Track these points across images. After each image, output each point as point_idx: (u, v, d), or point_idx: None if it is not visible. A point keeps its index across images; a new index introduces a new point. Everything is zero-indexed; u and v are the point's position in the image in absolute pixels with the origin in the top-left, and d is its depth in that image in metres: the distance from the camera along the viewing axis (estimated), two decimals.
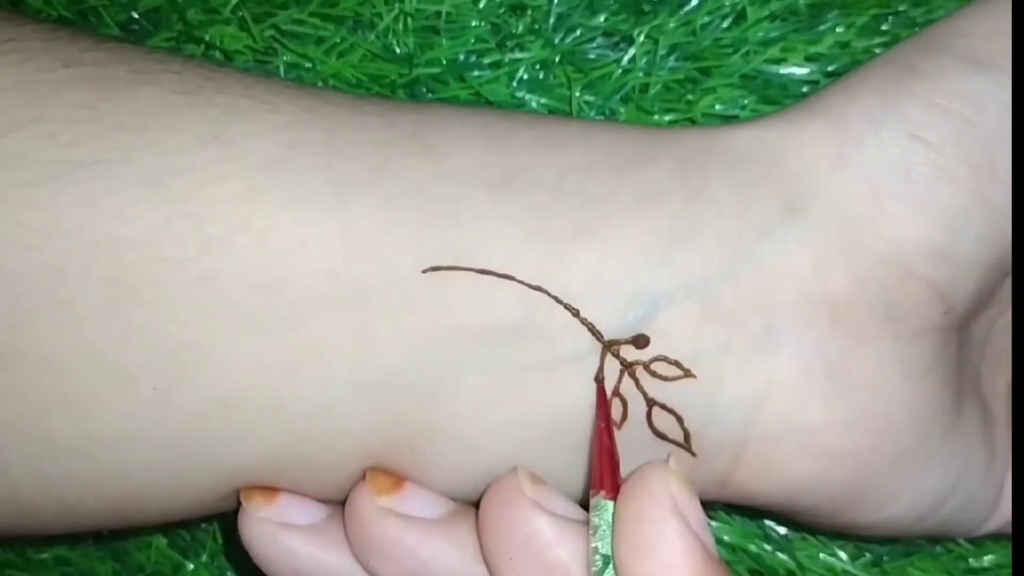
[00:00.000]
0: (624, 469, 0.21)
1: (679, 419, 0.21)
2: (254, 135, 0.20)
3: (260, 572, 0.23)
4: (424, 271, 0.20)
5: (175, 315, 0.19)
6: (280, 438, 0.21)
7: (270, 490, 0.22)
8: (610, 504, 0.19)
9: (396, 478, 0.21)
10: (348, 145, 0.20)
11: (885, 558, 0.29)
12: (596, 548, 0.19)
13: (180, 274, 0.19)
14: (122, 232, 0.19)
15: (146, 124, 0.20)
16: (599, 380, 0.20)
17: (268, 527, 0.22)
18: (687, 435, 0.21)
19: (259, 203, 0.19)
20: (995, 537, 0.27)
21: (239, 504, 0.22)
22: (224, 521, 0.30)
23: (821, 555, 0.29)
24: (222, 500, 0.22)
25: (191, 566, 0.31)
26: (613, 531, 0.19)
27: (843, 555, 0.29)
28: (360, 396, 0.20)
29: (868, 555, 0.29)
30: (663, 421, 0.21)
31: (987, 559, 0.29)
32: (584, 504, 0.21)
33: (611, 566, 0.19)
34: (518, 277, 0.20)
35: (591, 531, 0.19)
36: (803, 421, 0.21)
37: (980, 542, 0.28)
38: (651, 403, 0.21)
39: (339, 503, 0.22)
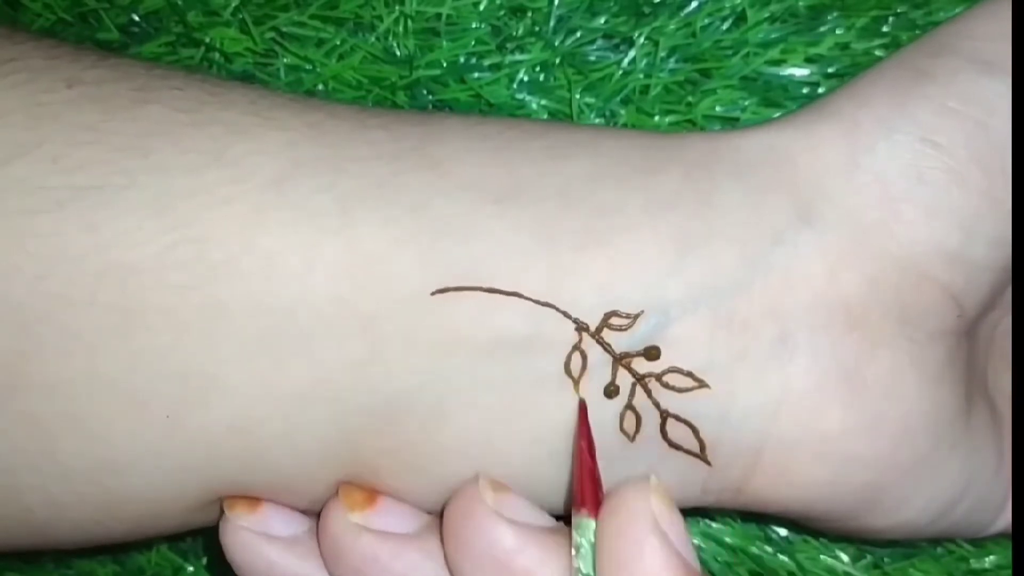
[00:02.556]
0: None
1: (694, 430, 0.21)
2: (258, 154, 0.20)
3: None
4: (433, 293, 0.20)
5: (183, 342, 0.19)
6: (292, 461, 0.21)
7: (253, 500, 0.22)
8: (592, 523, 0.19)
9: (369, 493, 0.21)
10: (353, 162, 0.20)
11: (886, 560, 0.29)
12: (579, 568, 0.19)
13: (187, 300, 0.19)
14: (127, 259, 0.19)
15: (150, 145, 0.19)
16: (581, 401, 0.20)
17: (248, 536, 0.22)
18: (702, 445, 0.21)
19: (265, 225, 0.19)
20: (996, 538, 0.27)
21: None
22: None
23: (822, 557, 0.29)
24: None
25: (191, 568, 0.31)
26: (594, 550, 0.19)
27: (844, 557, 0.29)
28: (369, 418, 0.20)
29: (869, 557, 0.29)
30: (678, 431, 0.21)
31: (988, 560, 0.29)
32: None
33: None
34: (526, 290, 0.20)
35: (573, 550, 0.19)
36: (819, 428, 0.21)
37: (981, 543, 0.28)
38: (665, 414, 0.21)
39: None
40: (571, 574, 0.19)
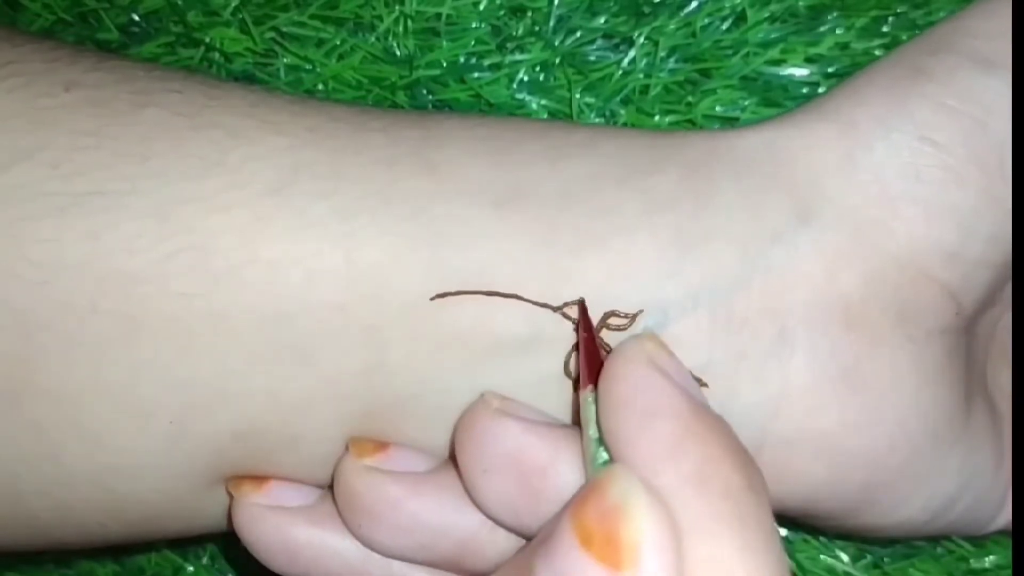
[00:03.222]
0: None
1: None
2: (258, 159, 0.20)
3: (260, 572, 0.22)
4: (432, 298, 0.20)
5: (187, 350, 0.19)
6: (296, 466, 0.21)
7: (258, 478, 0.22)
8: (594, 393, 0.18)
9: (379, 442, 0.21)
10: (352, 167, 0.20)
11: (886, 559, 0.29)
12: (589, 436, 0.18)
13: (188, 309, 0.19)
14: (129, 266, 0.19)
15: (150, 150, 0.19)
16: (581, 300, 0.20)
17: (259, 510, 0.21)
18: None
19: (266, 233, 0.19)
20: (996, 538, 0.27)
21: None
22: None
23: (822, 557, 0.29)
24: None
25: (191, 568, 0.31)
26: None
27: (844, 557, 0.29)
28: (372, 423, 0.20)
29: (869, 556, 0.29)
30: None
31: (988, 560, 0.29)
32: None
33: (602, 445, 0.18)
34: (526, 292, 0.20)
35: (583, 425, 0.18)
36: (819, 426, 0.21)
37: (981, 543, 0.28)
38: None
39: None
40: (583, 452, 0.18)
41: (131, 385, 0.19)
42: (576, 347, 0.20)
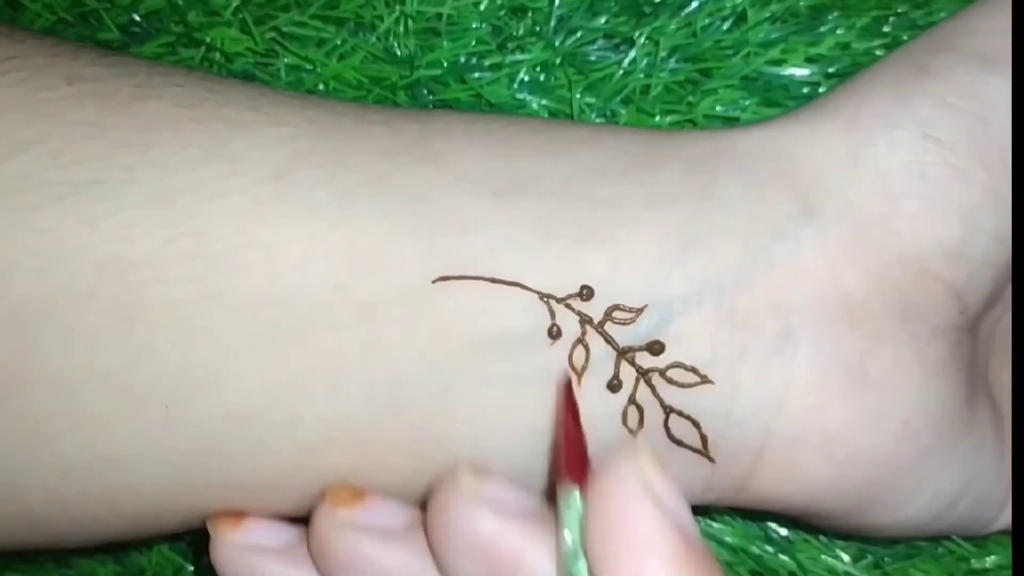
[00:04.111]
0: None
1: (697, 425, 0.21)
2: (258, 148, 0.20)
3: None
4: (433, 281, 0.20)
5: (182, 335, 0.19)
6: (293, 453, 0.21)
7: (236, 514, 0.22)
8: (577, 491, 0.18)
9: (356, 490, 0.21)
10: (353, 155, 0.20)
11: (887, 559, 0.29)
12: (564, 537, 0.18)
13: (187, 293, 0.19)
14: (127, 253, 0.19)
15: (150, 141, 0.20)
16: (566, 373, 0.20)
17: (236, 551, 0.21)
18: (705, 441, 0.21)
19: (264, 218, 0.19)
20: (997, 538, 0.27)
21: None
22: None
23: (823, 557, 0.29)
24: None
25: (191, 568, 0.31)
26: (581, 521, 0.18)
27: (845, 557, 0.29)
28: (370, 409, 0.20)
29: (870, 557, 0.29)
30: (680, 427, 0.21)
31: (989, 560, 0.29)
32: None
33: (580, 555, 0.17)
34: (528, 282, 0.20)
35: (557, 521, 0.18)
36: (822, 424, 0.21)
37: (982, 543, 0.28)
38: (668, 410, 0.21)
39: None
40: (557, 549, 0.18)
41: (127, 371, 0.19)
42: (563, 418, 0.20)
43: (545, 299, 0.20)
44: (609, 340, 0.20)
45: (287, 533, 0.22)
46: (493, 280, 0.20)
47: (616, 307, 0.20)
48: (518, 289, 0.20)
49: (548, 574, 0.19)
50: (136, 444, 0.20)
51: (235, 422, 0.20)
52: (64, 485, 0.20)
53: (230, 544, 0.21)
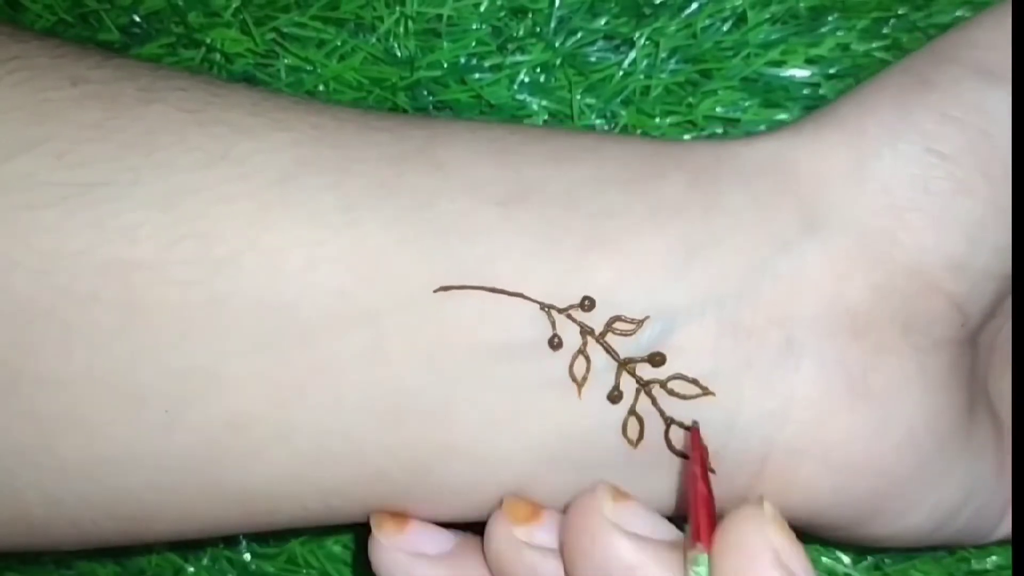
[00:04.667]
0: (639, 489, 0.20)
1: (695, 426, 0.21)
2: (262, 153, 0.20)
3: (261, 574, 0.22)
4: (436, 290, 0.20)
5: (184, 338, 0.19)
6: (290, 460, 0.20)
7: (401, 517, 0.22)
8: (706, 557, 0.18)
9: (534, 507, 0.21)
10: (357, 162, 0.20)
11: (887, 561, 0.29)
12: None
13: (189, 296, 0.19)
14: (130, 254, 0.19)
15: (155, 143, 0.20)
16: (694, 425, 0.20)
17: (399, 557, 0.22)
18: (706, 452, 0.21)
19: (268, 222, 0.19)
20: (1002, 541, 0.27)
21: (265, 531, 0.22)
22: None
23: (823, 559, 0.29)
24: (237, 524, 0.22)
25: (191, 569, 0.31)
26: None
27: (845, 559, 0.29)
28: (371, 417, 0.20)
29: (870, 558, 0.29)
30: (681, 439, 0.21)
31: (990, 561, 0.29)
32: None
33: None
34: (531, 293, 0.20)
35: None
36: (825, 435, 0.21)
37: (984, 544, 0.28)
38: (669, 421, 0.21)
39: (475, 530, 0.22)
40: None
41: (128, 373, 0.19)
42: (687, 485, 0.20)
43: (546, 309, 0.20)
44: (610, 351, 0.20)
45: (449, 541, 0.22)
46: (494, 290, 0.20)
47: (617, 318, 0.20)
48: (519, 300, 0.20)
49: None
50: (134, 447, 0.20)
51: (233, 429, 0.20)
52: (62, 487, 0.20)
53: (392, 547, 0.22)
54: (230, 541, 0.31)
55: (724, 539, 0.18)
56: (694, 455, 0.20)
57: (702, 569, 0.18)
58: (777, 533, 0.18)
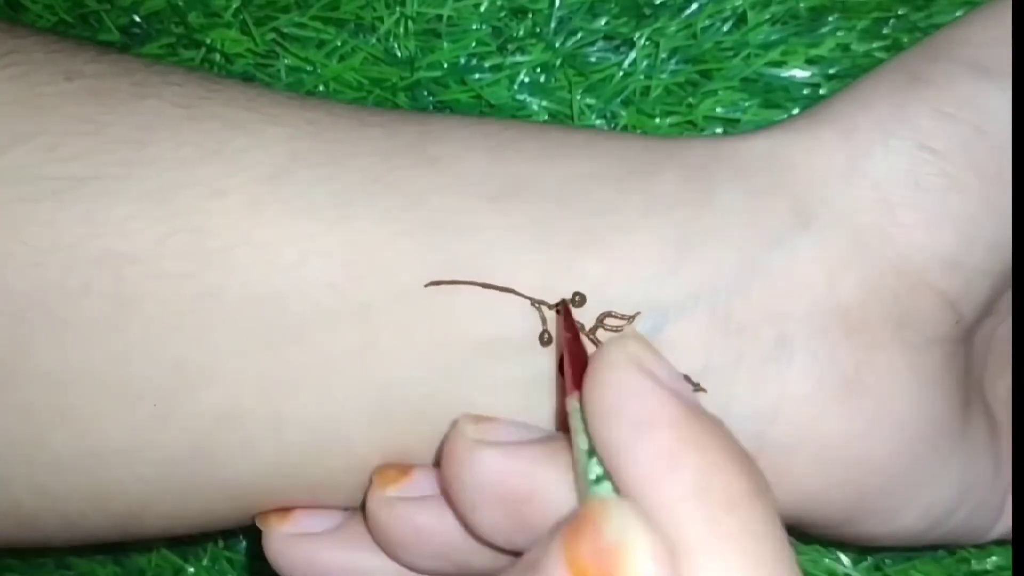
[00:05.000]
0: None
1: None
2: (255, 148, 0.20)
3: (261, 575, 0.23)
4: (426, 285, 0.20)
5: (176, 331, 0.19)
6: (279, 454, 0.20)
7: (283, 510, 0.22)
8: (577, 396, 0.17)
9: (402, 467, 0.21)
10: (350, 156, 0.20)
11: (887, 561, 0.29)
12: (577, 445, 0.17)
13: (181, 290, 0.19)
14: (123, 248, 0.19)
15: (148, 138, 0.20)
16: (564, 305, 0.20)
17: (287, 539, 0.22)
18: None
19: (261, 216, 0.19)
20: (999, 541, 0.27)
21: (249, 524, 0.22)
22: None
23: (824, 559, 0.29)
24: (223, 518, 0.22)
25: (191, 569, 0.31)
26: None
27: (845, 559, 0.29)
28: (361, 411, 0.20)
29: (870, 559, 0.29)
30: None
31: (990, 561, 0.29)
32: None
33: (594, 456, 0.17)
34: (522, 288, 0.20)
35: (572, 434, 0.17)
36: (817, 432, 0.21)
37: (983, 544, 0.28)
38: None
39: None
40: (573, 462, 0.18)
41: (120, 367, 0.19)
42: (561, 348, 0.20)
43: (536, 305, 0.20)
44: (599, 346, 0.20)
45: (335, 517, 0.22)
46: (485, 285, 0.20)
47: (608, 314, 0.20)
48: (511, 294, 0.20)
49: (564, 496, 0.18)
50: (125, 441, 0.20)
51: (224, 422, 0.20)
52: (53, 480, 0.20)
53: (280, 536, 0.22)
54: (230, 541, 0.31)
55: (590, 370, 0.17)
56: (565, 321, 0.19)
57: (575, 407, 0.17)
58: (637, 346, 0.17)
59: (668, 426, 0.15)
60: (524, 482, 0.18)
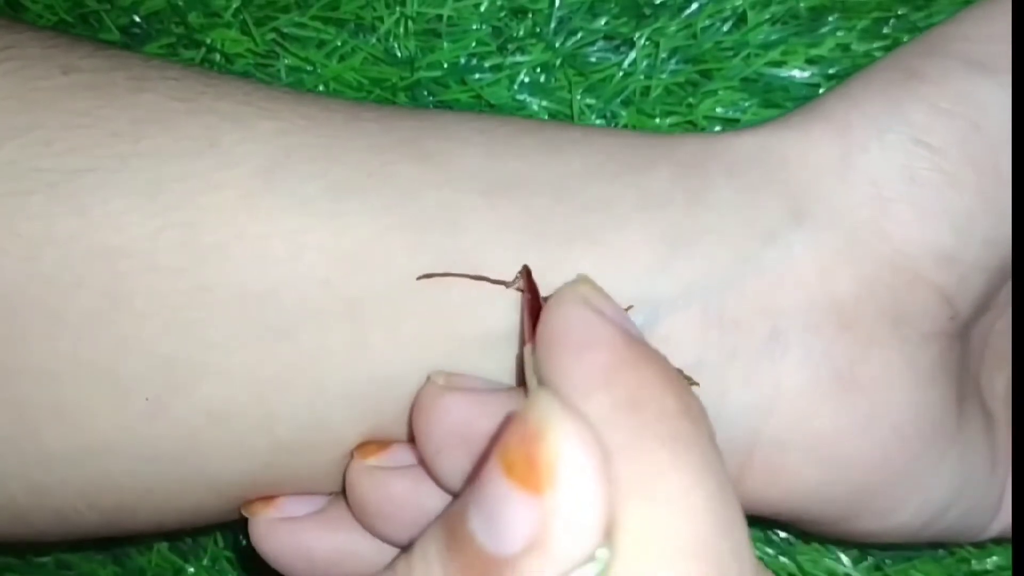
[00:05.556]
0: None
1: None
2: (250, 142, 0.20)
3: (261, 574, 0.23)
4: (418, 278, 0.20)
5: (169, 326, 0.19)
6: (270, 450, 0.20)
7: (268, 497, 0.22)
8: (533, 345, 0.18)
9: (381, 442, 0.21)
10: (345, 151, 0.20)
11: (887, 561, 0.29)
12: (531, 388, 0.17)
13: (174, 284, 0.19)
14: (116, 241, 0.19)
15: (143, 132, 0.20)
16: (524, 268, 0.20)
17: (272, 524, 0.22)
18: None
19: (254, 211, 0.19)
20: (997, 539, 0.27)
21: (238, 518, 0.22)
22: (225, 525, 0.30)
23: (824, 559, 0.29)
24: (213, 513, 0.22)
25: (191, 569, 0.31)
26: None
27: (845, 559, 0.29)
28: (352, 406, 0.20)
29: (870, 559, 0.29)
30: None
31: (990, 561, 0.28)
32: None
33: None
34: (515, 283, 0.20)
35: (527, 378, 0.18)
36: (811, 428, 0.21)
37: (983, 544, 0.28)
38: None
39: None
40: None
41: (112, 362, 0.19)
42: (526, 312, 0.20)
43: (511, 287, 0.20)
44: None
45: (319, 501, 0.22)
46: (477, 278, 0.20)
47: None
48: (502, 289, 0.20)
49: None
50: (118, 436, 0.20)
51: (216, 419, 0.20)
52: (45, 475, 0.20)
53: (265, 521, 0.22)
54: (230, 541, 0.31)
55: (544, 310, 0.17)
56: (526, 282, 0.20)
57: (528, 350, 0.18)
58: (587, 287, 0.17)
59: (606, 348, 0.16)
60: (487, 424, 0.19)
